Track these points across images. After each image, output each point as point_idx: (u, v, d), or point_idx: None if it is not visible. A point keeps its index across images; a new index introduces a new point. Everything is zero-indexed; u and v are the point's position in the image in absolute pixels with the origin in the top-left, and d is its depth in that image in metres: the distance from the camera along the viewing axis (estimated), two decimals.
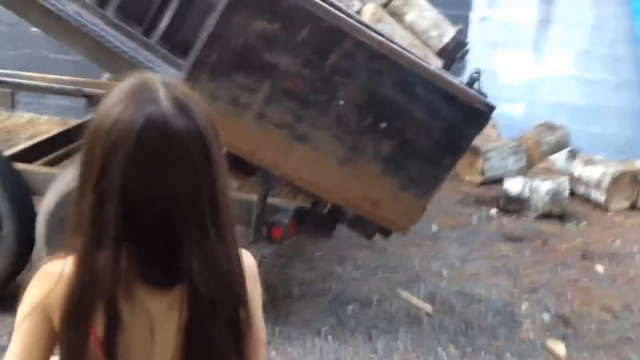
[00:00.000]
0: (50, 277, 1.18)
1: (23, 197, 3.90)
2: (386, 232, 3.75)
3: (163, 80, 1.15)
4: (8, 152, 4.26)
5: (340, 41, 3.22)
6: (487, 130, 6.78)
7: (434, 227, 5.48)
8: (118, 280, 1.12)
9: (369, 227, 3.72)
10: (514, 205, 5.76)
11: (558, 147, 6.67)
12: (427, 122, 3.42)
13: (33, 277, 1.21)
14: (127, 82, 1.15)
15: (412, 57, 3.39)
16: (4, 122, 7.64)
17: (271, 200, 3.78)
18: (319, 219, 3.84)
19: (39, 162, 4.34)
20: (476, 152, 6.32)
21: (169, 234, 1.12)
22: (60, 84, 4.96)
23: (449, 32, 5.01)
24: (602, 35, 6.88)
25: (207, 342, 1.18)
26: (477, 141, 6.33)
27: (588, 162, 6.21)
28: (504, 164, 6.38)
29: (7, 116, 7.72)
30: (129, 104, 1.10)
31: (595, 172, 6.06)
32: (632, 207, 6.02)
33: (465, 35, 6.16)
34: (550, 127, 6.81)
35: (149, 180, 1.10)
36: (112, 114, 1.10)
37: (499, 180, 6.20)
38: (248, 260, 1.30)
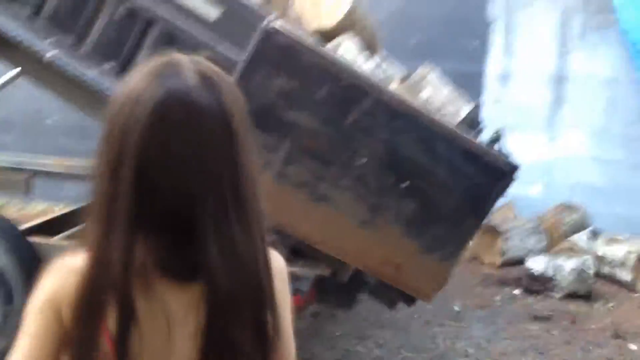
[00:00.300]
0: (62, 271, 1.09)
1: (37, 271, 3.78)
2: (409, 300, 3.59)
3: (191, 58, 1.08)
4: (23, 226, 4.20)
5: (360, 99, 3.21)
6: (505, 211, 6.71)
7: (456, 307, 5.26)
8: (131, 271, 1.01)
9: (391, 294, 3.57)
10: (538, 285, 5.55)
11: (578, 227, 6.52)
12: (449, 182, 3.34)
13: (45, 271, 1.11)
14: (152, 60, 1.08)
15: (433, 115, 3.37)
16: (18, 212, 7.63)
17: (290, 268, 3.65)
18: (340, 288, 3.68)
19: (56, 237, 4.26)
20: (495, 232, 6.19)
21: (188, 220, 1.02)
22: (77, 170, 4.91)
23: (466, 107, 5.02)
24: (616, 115, 6.89)
25: (228, 345, 1.05)
26: (496, 221, 6.24)
27: (611, 241, 6.05)
28: (524, 245, 6.22)
29: (21, 207, 7.71)
30: (152, 78, 1.03)
31: (619, 251, 5.88)
32: None
33: (479, 116, 6.19)
34: (569, 207, 6.69)
35: (165, 157, 1.00)
36: (133, 88, 1.03)
37: (519, 262, 6.03)
38: (278, 262, 1.20)
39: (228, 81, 1.08)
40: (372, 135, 3.25)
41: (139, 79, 1.04)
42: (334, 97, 3.19)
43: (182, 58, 1.07)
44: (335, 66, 3.17)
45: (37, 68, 3.54)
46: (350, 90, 3.19)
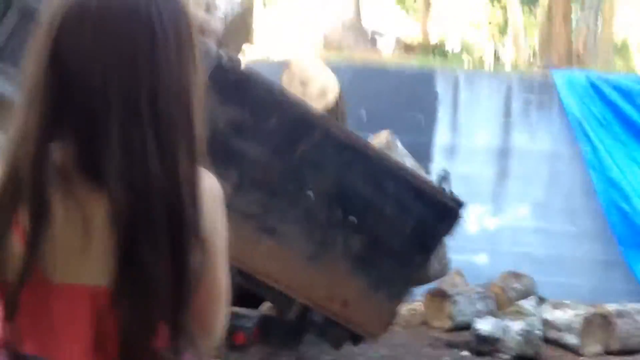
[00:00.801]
0: None
1: None
2: (356, 339, 3.51)
3: None
4: None
5: (309, 131, 3.26)
6: (454, 277, 6.73)
7: None
8: (44, 168, 0.97)
9: (338, 333, 3.48)
10: (486, 346, 5.50)
11: (525, 294, 6.57)
12: (397, 218, 3.38)
13: None
14: None
15: (381, 150, 3.44)
16: None
17: (234, 309, 3.55)
18: (285, 328, 3.59)
19: None
20: (444, 296, 6.18)
21: (93, 121, 0.97)
22: None
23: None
24: (557, 188, 7.13)
25: (139, 269, 0.98)
26: (444, 286, 6.26)
27: (557, 305, 6.10)
28: (473, 309, 6.21)
29: None
30: None
31: (565, 315, 5.92)
32: (607, 351, 5.81)
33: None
34: (515, 276, 6.76)
35: (80, 50, 0.97)
36: None
37: (468, 326, 5.99)
38: (211, 186, 1.10)
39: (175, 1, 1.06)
40: (320, 168, 3.29)
41: None
42: (283, 128, 3.24)
43: None
44: (284, 98, 3.23)
45: None
46: (299, 122, 3.25)
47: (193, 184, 1.02)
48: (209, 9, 3.52)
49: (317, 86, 4.02)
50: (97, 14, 0.97)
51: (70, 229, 0.99)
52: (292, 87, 3.92)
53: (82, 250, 1.00)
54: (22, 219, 0.97)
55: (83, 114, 0.98)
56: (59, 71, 0.97)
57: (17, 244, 0.98)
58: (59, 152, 0.99)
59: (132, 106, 0.97)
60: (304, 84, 4.00)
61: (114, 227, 0.97)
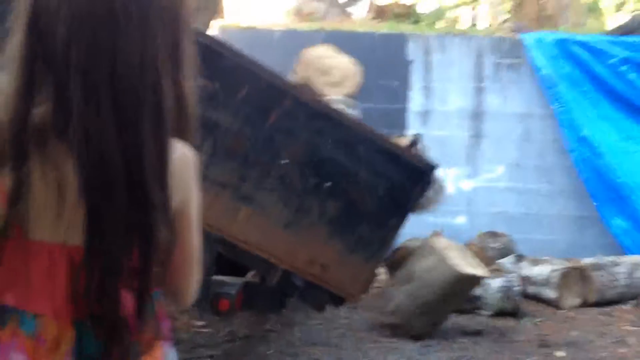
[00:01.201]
0: None
1: None
2: (338, 301, 3.61)
3: None
4: None
5: (280, 100, 3.31)
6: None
7: None
8: (26, 127, 1.01)
9: (319, 296, 3.57)
10: (467, 304, 5.64)
11: (503, 253, 6.71)
12: (371, 182, 3.45)
13: None
14: None
15: (352, 116, 3.49)
16: None
17: (217, 277, 3.62)
18: (268, 293, 3.67)
19: None
20: None
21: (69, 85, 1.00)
22: None
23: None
24: (531, 148, 7.25)
25: (101, 235, 1.02)
26: None
27: (535, 262, 6.25)
28: None
29: None
30: None
31: (543, 270, 6.07)
32: (584, 304, 5.99)
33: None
34: (493, 235, 6.91)
35: (51, 13, 1.01)
36: None
37: None
38: (182, 153, 1.13)
39: None
40: (293, 136, 3.34)
41: None
42: (254, 97, 3.28)
43: None
44: (254, 67, 3.27)
45: None
46: (270, 90, 3.29)
47: (161, 156, 1.06)
48: None
49: (338, 74, 4.05)
50: None
51: (47, 189, 1.04)
52: (310, 77, 3.93)
53: (58, 209, 1.05)
54: (3, 180, 1.02)
55: (54, 79, 1.02)
56: (34, 36, 1.01)
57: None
58: (37, 115, 1.03)
59: (91, 76, 1.00)
60: (324, 73, 4.02)
61: (80, 191, 1.01)
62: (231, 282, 3.57)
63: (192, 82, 1.16)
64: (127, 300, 1.06)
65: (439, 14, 15.16)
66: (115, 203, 1.02)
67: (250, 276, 3.75)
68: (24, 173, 1.02)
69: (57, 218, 1.05)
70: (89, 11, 1.01)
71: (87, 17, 1.01)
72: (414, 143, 3.66)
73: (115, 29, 1.02)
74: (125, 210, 1.02)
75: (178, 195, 1.11)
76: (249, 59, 3.25)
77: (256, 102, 3.28)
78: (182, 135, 1.16)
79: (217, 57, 3.19)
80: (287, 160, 3.33)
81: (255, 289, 3.65)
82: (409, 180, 3.51)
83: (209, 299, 3.39)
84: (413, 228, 4.45)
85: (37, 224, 1.05)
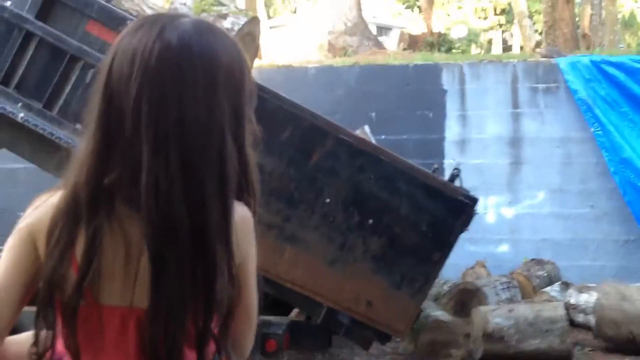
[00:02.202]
0: (42, 206, 1.14)
1: None
2: (384, 338, 3.61)
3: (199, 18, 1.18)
4: None
5: (322, 140, 3.36)
6: (478, 269, 6.81)
7: None
8: (98, 197, 1.08)
9: (365, 333, 3.58)
10: None
11: (549, 281, 6.61)
12: (413, 217, 3.46)
13: (29, 207, 1.17)
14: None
15: (392, 152, 3.53)
16: None
17: (264, 317, 3.66)
18: (314, 331, 3.69)
19: None
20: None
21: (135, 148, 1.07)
22: None
23: None
24: (572, 173, 7.17)
25: (167, 289, 1.07)
26: (469, 278, 6.32)
27: (582, 289, 6.13)
28: (498, 299, 6.26)
29: None
30: (153, 24, 1.11)
31: (591, 298, 5.95)
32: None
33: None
34: (538, 262, 6.81)
35: (122, 83, 1.07)
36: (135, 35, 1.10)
37: None
38: (242, 214, 1.20)
39: (225, 38, 1.16)
40: (335, 175, 3.39)
41: (138, 27, 1.12)
42: (297, 139, 3.34)
43: (188, 15, 1.18)
44: (295, 108, 3.34)
45: (10, 134, 3.65)
46: (312, 131, 3.35)
47: (225, 214, 1.11)
48: None
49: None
50: (140, 55, 1.08)
51: (115, 253, 1.09)
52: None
53: (126, 273, 1.10)
54: (74, 250, 1.08)
55: (124, 144, 1.08)
56: (108, 107, 1.08)
57: (71, 270, 1.09)
58: (107, 179, 1.08)
59: (160, 138, 1.06)
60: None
61: (147, 251, 1.06)
62: (277, 322, 3.60)
63: (252, 148, 1.20)
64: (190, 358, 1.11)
65: (470, 39, 15.19)
66: (179, 256, 1.07)
67: (295, 314, 3.77)
68: (98, 237, 1.08)
69: (125, 282, 1.10)
70: (158, 70, 1.07)
71: (156, 76, 1.07)
72: (454, 176, 3.67)
73: (183, 88, 1.08)
74: (189, 264, 1.07)
75: (239, 254, 1.16)
76: (290, 102, 3.33)
77: (298, 143, 3.34)
78: (244, 196, 1.21)
79: (259, 100, 3.26)
80: (329, 199, 3.37)
81: (301, 327, 3.67)
82: (451, 214, 3.52)
83: (256, 340, 3.41)
84: (455, 258, 4.43)
85: (107, 288, 1.10)
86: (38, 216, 1.13)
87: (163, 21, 1.12)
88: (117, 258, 1.10)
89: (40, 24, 3.46)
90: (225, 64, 1.13)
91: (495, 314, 4.79)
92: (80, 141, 1.14)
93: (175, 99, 1.07)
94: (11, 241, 1.14)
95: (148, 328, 1.08)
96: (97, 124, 1.09)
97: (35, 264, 1.13)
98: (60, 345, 1.12)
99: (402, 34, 12.16)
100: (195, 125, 1.08)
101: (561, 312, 4.93)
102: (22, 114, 3.47)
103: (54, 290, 1.10)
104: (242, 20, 3.83)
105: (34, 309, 1.13)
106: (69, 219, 1.09)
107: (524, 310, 4.90)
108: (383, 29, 19.62)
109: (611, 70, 7.08)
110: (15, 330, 3.47)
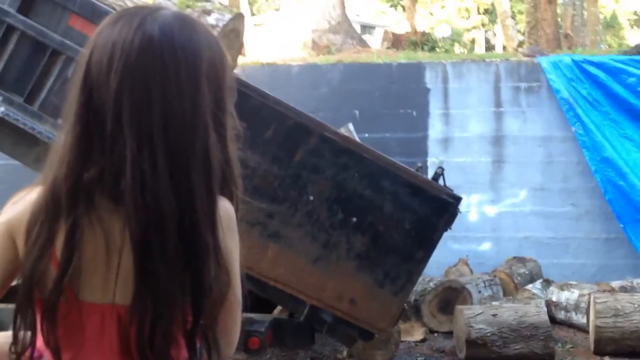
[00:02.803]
0: (19, 203, 1.13)
1: None
2: (367, 336, 3.60)
3: (179, 10, 1.17)
4: None
5: (306, 137, 3.36)
6: (460, 266, 6.84)
7: None
8: (78, 192, 1.06)
9: (348, 331, 3.58)
10: None
11: (531, 278, 6.66)
12: (396, 215, 3.47)
13: (8, 201, 1.15)
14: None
15: (376, 151, 3.53)
16: None
17: (246, 315, 3.64)
18: (297, 329, 3.68)
19: None
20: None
21: (121, 144, 1.05)
22: None
23: None
24: (553, 171, 7.23)
25: (157, 285, 1.05)
26: (452, 276, 6.35)
27: (563, 287, 6.19)
28: (480, 297, 6.30)
29: None
30: (132, 16, 1.09)
31: (572, 296, 6.01)
32: None
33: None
34: (520, 260, 6.87)
35: (102, 77, 1.06)
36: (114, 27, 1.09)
37: None
38: (225, 209, 1.19)
39: (205, 31, 1.14)
40: (319, 172, 3.38)
41: (121, 14, 1.11)
42: (281, 136, 3.33)
43: (168, 7, 1.16)
44: (280, 106, 3.33)
45: None
46: (296, 129, 3.34)
47: (211, 204, 1.10)
48: None
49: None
50: (121, 48, 1.06)
51: (96, 249, 1.08)
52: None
53: (106, 270, 1.08)
54: (54, 247, 1.06)
55: (105, 138, 1.06)
56: (88, 101, 1.06)
57: (51, 266, 1.07)
58: (87, 174, 1.07)
59: (145, 132, 1.05)
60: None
61: (132, 245, 1.05)
62: (260, 320, 3.58)
63: (234, 142, 1.20)
64: (177, 353, 1.09)
65: (454, 39, 15.26)
66: (167, 250, 1.05)
67: (278, 312, 3.77)
68: (77, 233, 1.06)
69: (106, 278, 1.09)
70: (139, 64, 1.06)
71: (138, 69, 1.06)
72: (437, 176, 3.67)
73: (166, 81, 1.06)
74: (177, 257, 1.06)
75: (225, 249, 1.14)
76: (274, 99, 3.32)
77: (282, 141, 3.33)
78: (226, 187, 1.20)
79: (243, 97, 3.25)
80: (312, 197, 3.36)
81: (284, 325, 3.66)
82: (435, 212, 3.53)
83: (239, 338, 3.40)
84: (438, 256, 4.44)
85: (88, 285, 1.09)
86: (16, 213, 1.12)
87: (143, 13, 1.10)
88: (97, 254, 1.08)
89: (21, 17, 3.41)
90: (207, 57, 1.12)
91: (479, 319, 4.80)
92: (58, 136, 1.12)
93: (159, 92, 1.06)
94: None
95: (133, 324, 1.06)
96: (75, 118, 1.07)
97: (13, 261, 1.12)
98: (40, 342, 1.10)
99: (385, 32, 12.18)
100: (181, 119, 1.07)
101: (544, 317, 4.95)
102: (2, 108, 3.43)
103: (33, 287, 1.08)
104: (227, 16, 3.80)
105: (12, 306, 1.12)
106: (48, 215, 1.07)
107: (508, 316, 4.91)
108: (367, 28, 19.66)
109: (593, 69, 7.14)
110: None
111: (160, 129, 1.05)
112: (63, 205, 1.06)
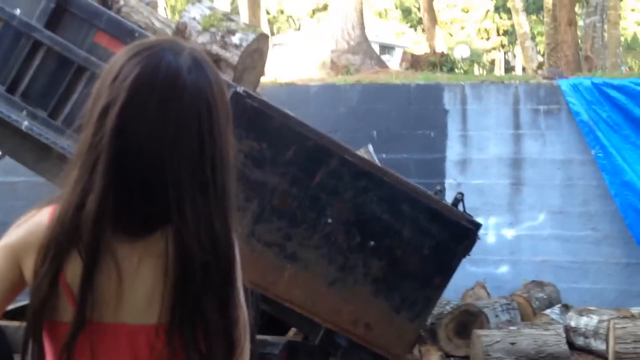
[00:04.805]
0: (28, 224, 1.13)
1: (3, 355, 3.69)
2: None
3: (192, 46, 1.18)
4: None
5: (326, 159, 3.34)
6: (477, 290, 6.77)
7: None
8: (105, 218, 1.07)
9: (363, 356, 3.54)
10: None
11: (549, 303, 6.57)
12: (415, 240, 3.44)
13: (14, 224, 1.15)
14: (156, 39, 1.18)
15: (397, 175, 3.51)
16: None
17: (261, 337, 3.62)
18: (311, 352, 3.65)
19: None
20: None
21: (154, 183, 1.08)
22: None
23: None
24: (573, 195, 7.15)
25: (199, 313, 1.09)
26: (469, 300, 6.28)
27: (582, 312, 6.09)
28: (497, 321, 6.22)
29: None
30: (151, 51, 1.11)
31: (591, 321, 5.91)
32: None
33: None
34: (538, 284, 6.78)
35: (143, 122, 1.07)
36: (132, 55, 1.11)
37: None
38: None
39: (217, 73, 1.16)
40: (338, 194, 3.37)
41: (139, 49, 1.12)
42: (301, 157, 3.32)
43: (183, 43, 1.17)
44: (301, 127, 3.32)
45: (13, 142, 3.64)
46: (316, 150, 3.33)
47: (234, 245, 1.15)
48: (225, 45, 3.64)
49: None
50: (162, 88, 1.08)
51: (107, 279, 1.09)
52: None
53: (117, 293, 1.10)
54: (67, 268, 1.07)
55: (136, 176, 1.08)
56: (123, 140, 1.06)
57: (62, 293, 1.08)
58: (91, 202, 1.07)
59: (200, 175, 1.09)
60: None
61: (177, 275, 1.08)
62: (274, 342, 3.56)
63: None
64: None
65: (473, 60, 15.24)
66: (210, 283, 1.09)
67: (292, 334, 3.74)
68: (96, 261, 1.07)
69: (117, 300, 1.10)
70: (194, 113, 1.09)
71: (192, 120, 1.09)
72: (457, 201, 3.64)
73: (214, 127, 1.11)
74: (213, 290, 1.10)
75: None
76: (295, 120, 3.32)
77: (302, 162, 3.32)
78: None
79: (265, 118, 3.27)
80: (331, 219, 3.35)
81: (299, 348, 3.63)
82: (454, 238, 3.49)
83: None
84: (455, 278, 4.38)
85: (99, 306, 1.09)
86: (21, 236, 1.13)
87: (160, 49, 1.12)
88: (108, 279, 1.09)
89: (48, 33, 3.46)
90: (225, 87, 1.16)
91: (496, 347, 4.72)
92: (71, 164, 1.12)
93: (210, 136, 1.10)
94: None
95: (163, 341, 1.09)
96: (105, 153, 1.07)
97: (16, 284, 1.13)
98: None
99: (404, 53, 12.19)
100: (223, 162, 1.12)
101: (564, 347, 4.86)
102: (26, 122, 3.47)
103: (42, 320, 1.09)
104: (251, 36, 3.82)
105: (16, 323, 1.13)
106: (66, 240, 1.07)
107: (527, 344, 4.82)
108: (386, 48, 19.72)
109: (613, 92, 7.09)
110: (10, 348, 3.42)
111: (210, 171, 1.10)
112: (81, 236, 1.07)
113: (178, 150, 1.08)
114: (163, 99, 1.08)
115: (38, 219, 1.12)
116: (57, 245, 1.07)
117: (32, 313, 1.09)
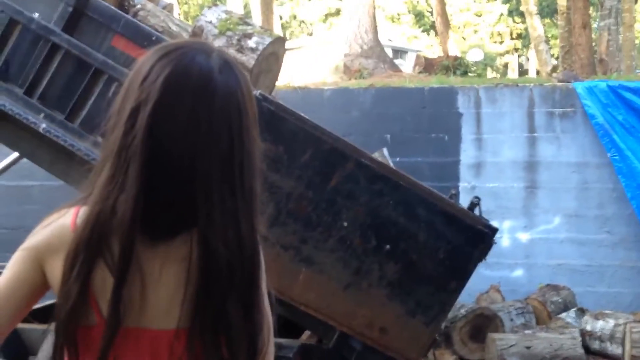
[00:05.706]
0: (53, 227, 1.13)
1: (19, 356, 3.71)
2: None
3: (220, 48, 1.19)
4: None
5: (342, 163, 3.34)
6: (492, 293, 6.74)
7: None
8: (137, 227, 1.06)
9: (377, 359, 3.53)
10: None
11: (565, 307, 6.53)
12: (431, 244, 3.43)
13: (39, 225, 1.16)
14: (189, 42, 1.18)
15: (412, 178, 3.50)
16: None
17: (275, 339, 3.62)
18: (325, 355, 3.64)
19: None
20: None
21: (184, 186, 1.08)
22: None
23: None
24: (588, 198, 7.11)
25: (222, 316, 1.09)
26: (484, 303, 6.25)
27: (598, 316, 6.05)
28: (512, 325, 6.19)
29: None
30: (183, 53, 1.11)
31: (607, 325, 5.87)
32: None
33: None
34: (554, 288, 6.74)
35: (174, 124, 1.07)
36: (166, 57, 1.10)
37: None
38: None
39: (245, 75, 1.17)
40: (354, 198, 3.37)
41: (168, 50, 1.12)
42: (317, 161, 3.33)
43: (211, 44, 1.18)
44: (317, 131, 3.32)
45: (31, 144, 3.68)
46: (332, 154, 3.33)
47: (259, 247, 1.17)
48: (241, 48, 3.65)
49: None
50: (194, 88, 1.08)
51: (131, 279, 1.09)
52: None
53: (141, 297, 1.10)
54: (91, 278, 1.08)
55: (166, 179, 1.07)
56: (155, 140, 1.06)
57: (89, 299, 1.09)
58: (120, 206, 1.07)
59: (228, 176, 1.09)
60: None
61: (201, 278, 1.08)
62: (288, 345, 3.56)
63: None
64: None
65: (486, 63, 15.18)
66: (236, 286, 1.10)
67: (306, 337, 3.74)
68: (129, 264, 1.07)
69: (139, 305, 1.11)
70: (225, 114, 1.09)
71: (223, 122, 1.09)
72: (473, 206, 3.62)
73: (243, 130, 1.11)
74: (238, 293, 1.10)
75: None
76: (311, 123, 3.32)
77: (318, 165, 3.33)
78: None
79: (281, 121, 3.28)
80: (346, 223, 3.35)
81: (313, 351, 3.62)
82: (470, 242, 3.48)
83: None
84: (469, 282, 4.34)
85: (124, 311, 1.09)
86: (45, 238, 1.13)
87: (190, 50, 1.12)
88: (132, 287, 1.10)
89: (66, 36, 3.49)
90: (253, 104, 1.15)
91: (512, 351, 4.70)
92: (100, 166, 1.12)
93: (239, 139, 1.11)
94: (17, 256, 1.13)
95: (191, 346, 1.10)
96: (137, 155, 1.07)
97: (39, 286, 1.13)
98: None
99: (418, 57, 12.17)
100: (251, 164, 1.13)
101: (580, 351, 4.83)
102: (44, 125, 3.50)
103: (76, 327, 1.09)
104: (267, 40, 3.83)
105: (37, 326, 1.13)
106: (97, 241, 1.08)
107: (542, 348, 4.79)
108: (399, 52, 19.69)
109: (628, 95, 7.04)
110: (26, 349, 3.44)
111: (239, 174, 1.10)
112: (111, 241, 1.07)
113: (209, 150, 1.08)
114: (195, 99, 1.08)
115: (62, 221, 1.13)
116: (87, 250, 1.07)
117: (64, 320, 1.08)
